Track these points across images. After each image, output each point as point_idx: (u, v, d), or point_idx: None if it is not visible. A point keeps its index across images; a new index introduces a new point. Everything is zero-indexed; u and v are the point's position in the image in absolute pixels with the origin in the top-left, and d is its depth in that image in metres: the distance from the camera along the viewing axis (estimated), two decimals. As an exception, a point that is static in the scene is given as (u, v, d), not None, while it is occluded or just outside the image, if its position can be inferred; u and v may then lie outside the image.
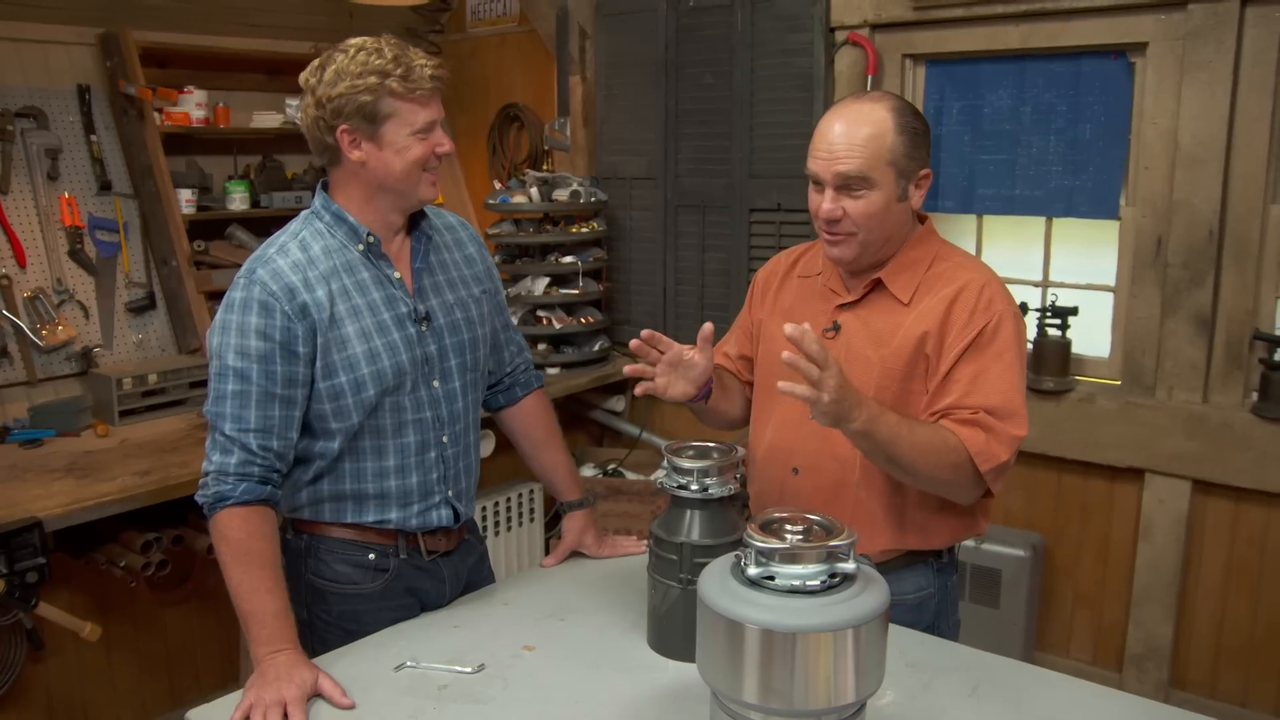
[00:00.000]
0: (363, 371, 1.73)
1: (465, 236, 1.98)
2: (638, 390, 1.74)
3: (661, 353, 1.73)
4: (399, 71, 1.68)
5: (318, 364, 1.72)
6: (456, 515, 1.90)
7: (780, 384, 1.47)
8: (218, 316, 1.72)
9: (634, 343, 1.73)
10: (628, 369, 1.74)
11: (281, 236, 1.78)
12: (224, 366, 1.68)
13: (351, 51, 1.70)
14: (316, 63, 1.73)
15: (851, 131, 1.67)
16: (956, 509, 1.78)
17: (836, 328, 1.79)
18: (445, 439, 1.86)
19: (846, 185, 1.67)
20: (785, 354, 1.47)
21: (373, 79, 1.67)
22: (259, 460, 1.68)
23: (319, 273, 1.73)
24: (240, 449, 1.67)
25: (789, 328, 1.45)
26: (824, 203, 1.70)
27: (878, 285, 1.77)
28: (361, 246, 1.77)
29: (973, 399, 1.66)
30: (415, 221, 1.86)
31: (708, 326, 1.73)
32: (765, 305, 1.95)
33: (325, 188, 1.81)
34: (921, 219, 1.82)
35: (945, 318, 1.70)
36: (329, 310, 1.71)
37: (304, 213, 1.82)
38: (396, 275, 1.80)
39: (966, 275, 1.73)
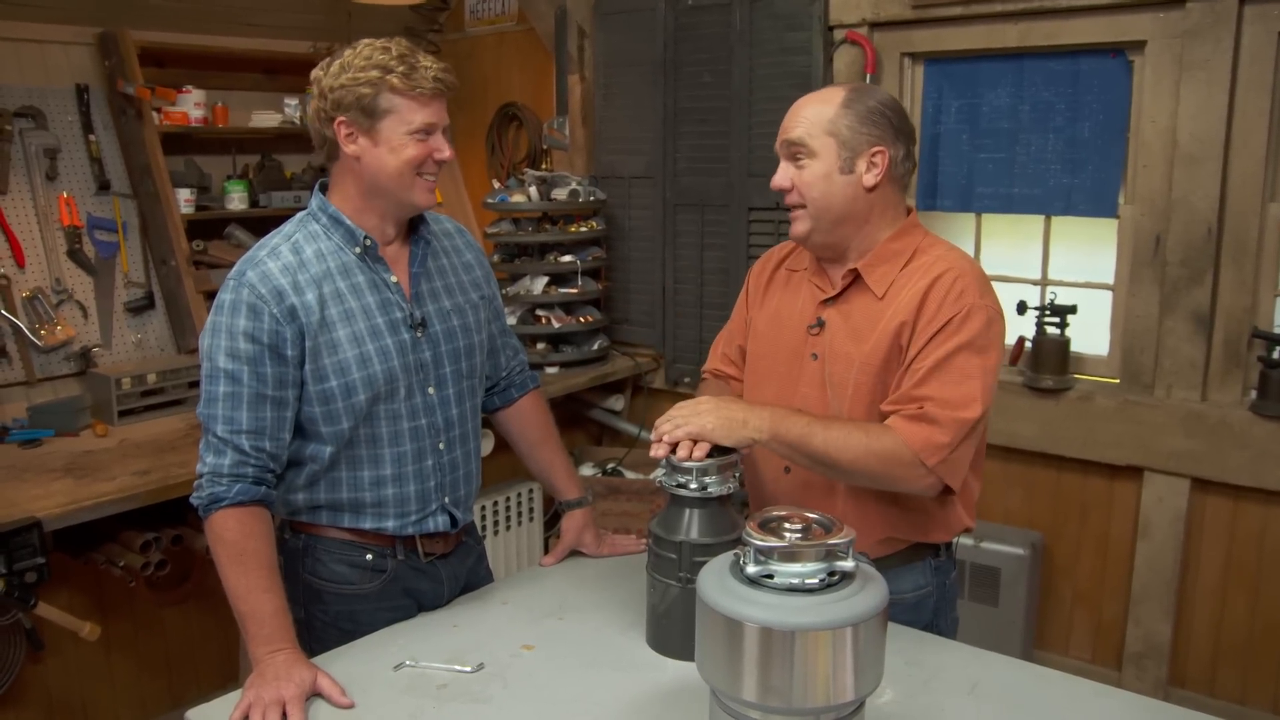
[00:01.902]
0: (353, 376, 1.73)
1: (463, 243, 1.97)
2: None
3: None
4: (401, 69, 1.67)
5: (307, 367, 1.71)
6: (454, 521, 1.89)
7: (652, 452, 1.65)
8: (208, 319, 1.72)
9: None
10: None
11: (274, 239, 1.77)
12: (215, 369, 1.68)
13: (360, 47, 1.71)
14: (328, 59, 1.74)
15: (802, 106, 1.78)
16: (946, 505, 1.78)
17: (821, 324, 1.79)
18: (441, 446, 1.85)
19: (793, 155, 1.76)
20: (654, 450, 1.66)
21: (374, 73, 1.67)
22: (252, 461, 1.68)
23: (310, 276, 1.72)
24: (233, 450, 1.67)
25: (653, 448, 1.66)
26: (776, 174, 1.78)
27: (856, 279, 1.78)
28: (358, 249, 1.76)
29: (923, 389, 1.65)
30: (414, 226, 1.85)
31: None
32: (757, 299, 1.96)
33: (323, 189, 1.81)
34: (908, 212, 1.83)
35: (919, 308, 1.70)
36: (319, 314, 1.71)
37: (299, 214, 1.81)
38: (393, 280, 1.79)
39: (943, 266, 1.72)
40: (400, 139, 1.70)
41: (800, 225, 1.78)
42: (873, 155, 1.73)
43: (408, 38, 4.16)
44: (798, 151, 1.75)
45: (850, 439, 1.64)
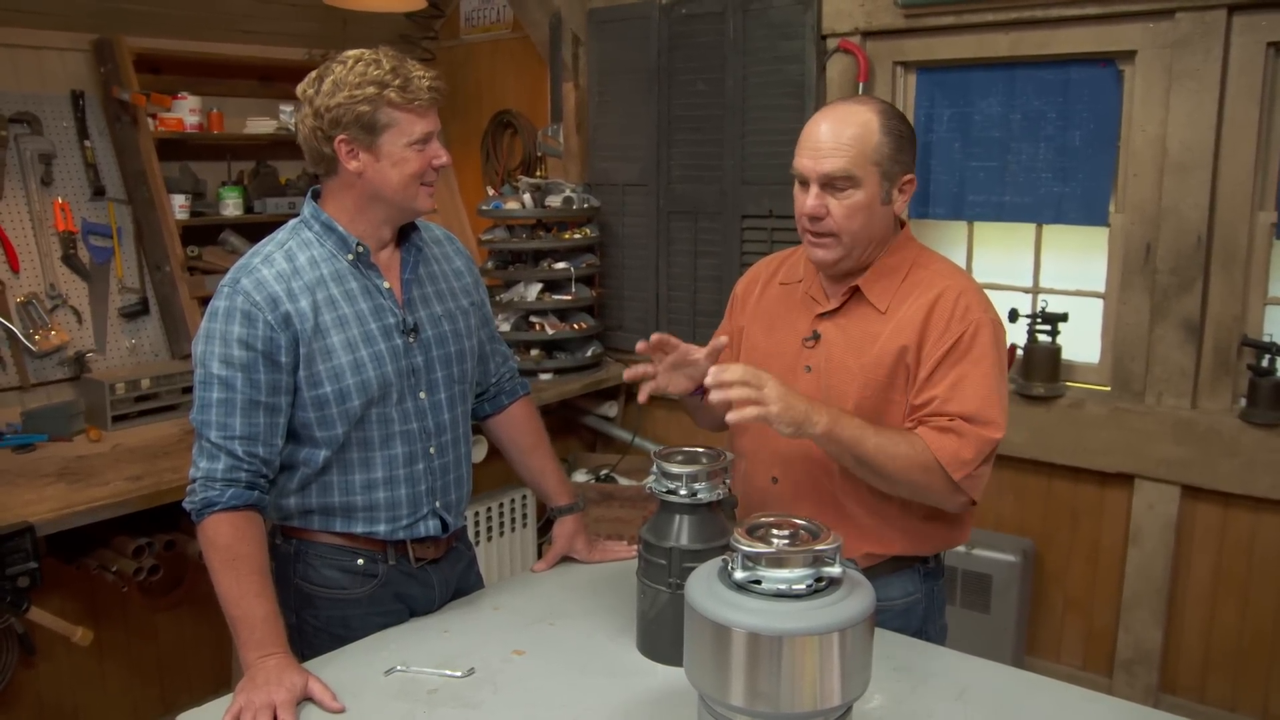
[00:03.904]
0: (348, 382, 1.74)
1: (452, 250, 1.98)
2: (641, 395, 1.77)
3: (667, 354, 1.77)
4: (397, 82, 1.68)
5: (301, 373, 1.72)
6: (445, 525, 1.90)
7: (728, 416, 1.56)
8: (202, 325, 1.73)
9: (641, 345, 1.74)
10: (628, 374, 1.78)
11: (267, 246, 1.78)
12: (208, 374, 1.69)
13: (350, 62, 1.71)
14: (314, 74, 1.74)
15: (838, 131, 1.69)
16: (939, 517, 1.78)
17: (816, 336, 1.80)
18: (433, 450, 1.86)
19: (831, 184, 1.69)
20: (713, 395, 1.57)
21: (371, 89, 1.67)
22: (245, 466, 1.69)
23: (303, 283, 1.73)
24: (226, 455, 1.68)
25: (710, 378, 1.57)
26: (809, 199, 1.71)
27: (856, 293, 1.78)
28: (351, 256, 1.77)
29: (950, 406, 1.67)
30: (405, 233, 1.86)
31: (722, 340, 1.78)
32: (746, 313, 1.96)
33: (315, 196, 1.82)
34: (900, 224, 1.83)
35: (923, 328, 1.71)
36: (313, 320, 1.72)
37: (292, 221, 1.82)
38: (386, 286, 1.81)
39: (943, 283, 1.74)
40: (401, 152, 1.72)
41: (830, 253, 1.73)
42: (904, 183, 1.73)
43: (403, 45, 4.18)
44: (842, 182, 1.68)
45: (898, 447, 1.64)
